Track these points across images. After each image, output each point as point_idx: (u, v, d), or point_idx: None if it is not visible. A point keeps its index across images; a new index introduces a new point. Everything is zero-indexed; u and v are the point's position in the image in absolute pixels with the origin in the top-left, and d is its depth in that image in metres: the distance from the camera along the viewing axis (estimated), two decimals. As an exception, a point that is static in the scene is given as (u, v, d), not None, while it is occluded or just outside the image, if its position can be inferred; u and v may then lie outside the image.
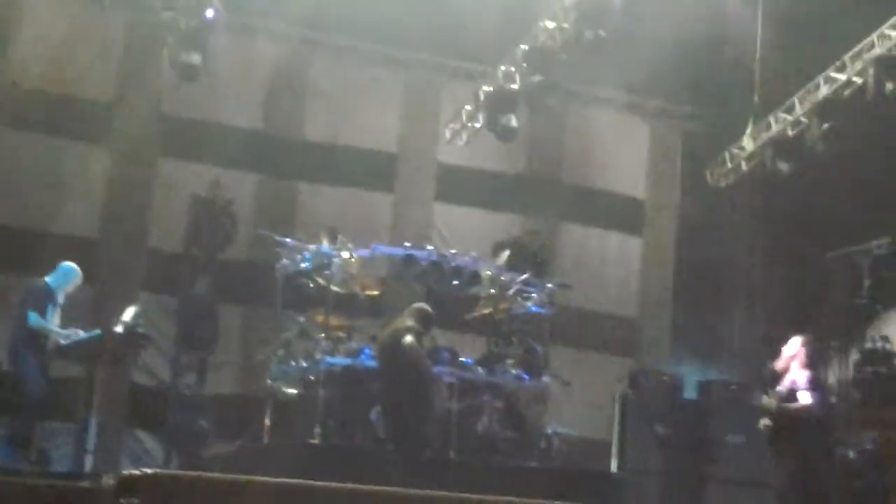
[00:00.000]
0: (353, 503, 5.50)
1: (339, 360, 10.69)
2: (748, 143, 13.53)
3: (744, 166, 13.77)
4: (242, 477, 6.26)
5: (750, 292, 13.58)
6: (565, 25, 12.41)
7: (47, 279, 10.15)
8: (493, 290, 11.67)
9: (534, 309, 11.73)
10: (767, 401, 9.67)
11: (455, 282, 11.49)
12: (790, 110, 12.99)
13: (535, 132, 13.99)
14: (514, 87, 12.92)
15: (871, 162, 12.42)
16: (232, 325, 12.47)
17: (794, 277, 13.15)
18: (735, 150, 13.83)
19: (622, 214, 14.40)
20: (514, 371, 11.23)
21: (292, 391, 10.91)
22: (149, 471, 5.51)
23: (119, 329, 9.52)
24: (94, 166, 12.56)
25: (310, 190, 13.35)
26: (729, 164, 13.94)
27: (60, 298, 10.09)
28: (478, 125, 13.54)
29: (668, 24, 12.17)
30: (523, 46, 12.82)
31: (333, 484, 5.68)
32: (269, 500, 5.38)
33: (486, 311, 11.71)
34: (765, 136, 13.31)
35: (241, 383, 12.40)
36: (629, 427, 10.58)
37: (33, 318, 9.77)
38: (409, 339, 9.46)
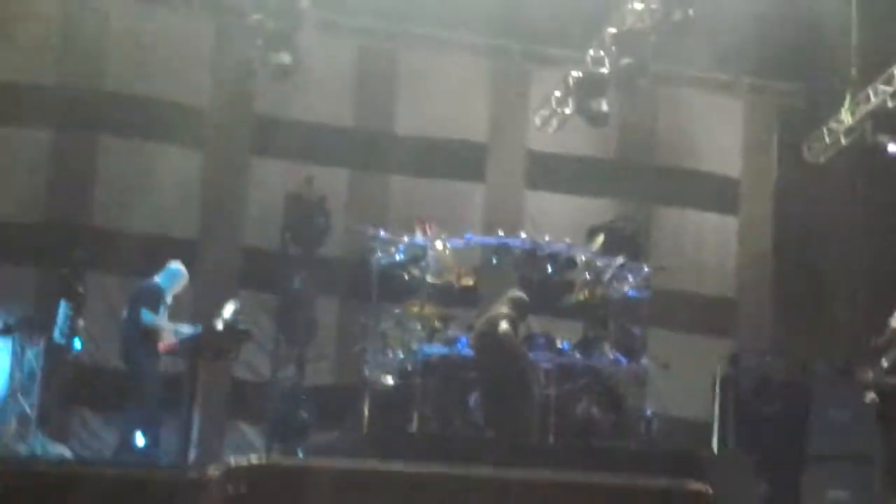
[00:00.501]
0: (457, 487, 5.54)
1: (436, 350, 10.77)
2: (846, 117, 13.21)
3: (843, 140, 13.44)
4: (347, 464, 6.37)
5: (852, 268, 13.25)
6: (654, 6, 12.30)
7: (157, 279, 10.43)
8: (588, 275, 11.62)
9: (630, 293, 11.65)
10: (873, 375, 9.49)
11: (549, 268, 11.47)
12: (889, 81, 12.65)
13: (626, 115, 13.84)
14: (604, 71, 12.81)
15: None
16: (329, 319, 12.60)
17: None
18: (833, 125, 13.51)
19: (718, 195, 14.16)
20: (611, 355, 11.17)
21: (390, 381, 11.01)
22: (255, 460, 5.64)
23: (219, 325, 9.70)
24: (189, 169, 12.82)
25: (402, 183, 13.42)
26: (827, 139, 13.63)
27: (169, 298, 10.38)
28: (568, 111, 13.46)
29: (758, -2, 11.97)
30: (611, 29, 12.72)
31: (436, 469, 5.73)
32: (374, 488, 5.45)
33: (582, 296, 11.65)
34: (864, 108, 12.99)
35: (339, 375, 12.55)
36: (729, 407, 10.44)
37: (146, 315, 10.09)
38: (504, 326, 9.47)
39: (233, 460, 5.62)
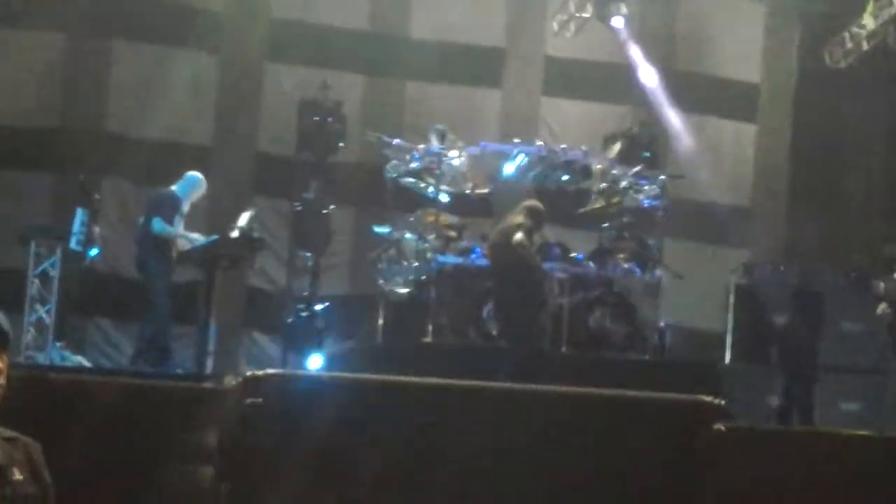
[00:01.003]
0: (472, 400, 5.58)
1: (451, 259, 10.76)
2: (869, 21, 12.95)
3: (865, 45, 13.19)
4: (360, 376, 6.42)
5: (869, 180, 13.11)
6: None
7: (174, 188, 10.27)
8: (604, 184, 11.55)
9: (646, 202, 11.58)
10: (885, 286, 9.48)
11: (565, 176, 11.40)
12: (913, -16, 12.36)
13: (645, 20, 13.60)
14: (624, -27, 12.57)
15: None
16: (344, 228, 12.59)
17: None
18: (855, 30, 13.26)
19: (737, 101, 13.95)
20: (625, 265, 11.14)
21: (404, 291, 11.03)
22: (272, 371, 5.69)
23: (234, 234, 9.69)
24: (204, 74, 12.74)
25: (417, 89, 13.30)
26: (849, 44, 13.37)
27: (186, 207, 10.18)
28: (586, 15, 13.24)
29: None
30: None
31: (452, 381, 5.78)
32: (387, 399, 5.49)
33: (598, 205, 11.60)
34: (887, 12, 12.73)
35: (354, 284, 12.59)
36: (743, 318, 10.43)
37: (158, 224, 9.87)
38: (519, 235, 9.43)
39: (250, 371, 5.67)
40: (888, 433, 7.60)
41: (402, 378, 6.10)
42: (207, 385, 7.17)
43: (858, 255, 11.82)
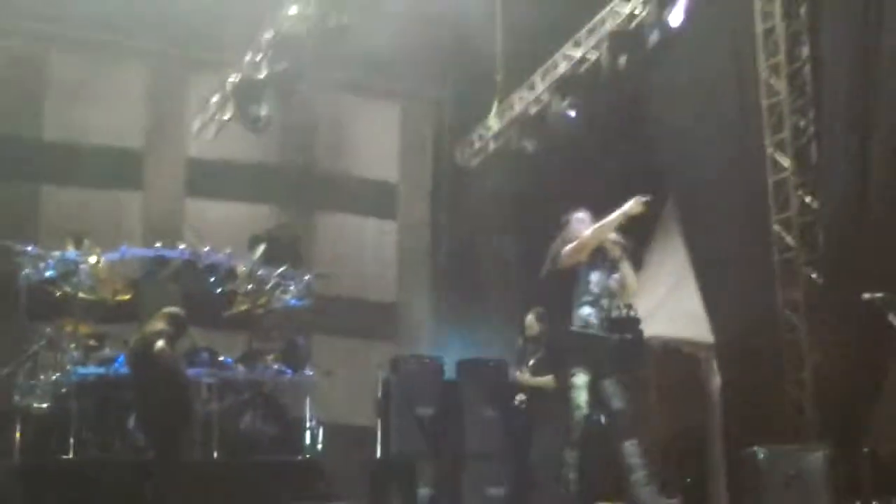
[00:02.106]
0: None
1: (92, 370, 10.40)
2: (494, 123, 13.81)
3: (491, 145, 14.03)
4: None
5: (505, 271, 13.83)
6: (309, 12, 12.32)
7: None
8: (250, 286, 11.59)
9: (293, 302, 11.70)
10: (520, 376, 10.01)
11: (211, 279, 11.34)
12: (532, 88, 13.30)
13: (286, 121, 13.79)
14: (261, 76, 12.70)
15: (612, 133, 12.82)
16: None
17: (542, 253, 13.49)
18: (482, 131, 14.09)
19: (377, 199, 14.46)
20: (276, 366, 11.18)
21: (43, 405, 10.50)
22: None
23: None
24: None
25: (52, 193, 12.81)
26: (477, 144, 14.19)
27: None
28: (227, 117, 13.27)
29: (410, 4, 12.24)
30: (268, 34, 12.63)
31: None
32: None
33: (245, 307, 11.61)
34: (510, 114, 13.61)
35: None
36: (392, 411, 10.68)
37: None
38: (160, 344, 9.21)
39: None
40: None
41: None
42: None
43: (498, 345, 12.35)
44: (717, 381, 11.83)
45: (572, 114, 12.44)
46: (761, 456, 9.19)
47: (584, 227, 8.13)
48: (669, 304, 12.17)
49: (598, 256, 8.11)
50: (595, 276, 8.10)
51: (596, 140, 12.70)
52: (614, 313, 10.76)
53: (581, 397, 7.84)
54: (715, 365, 11.88)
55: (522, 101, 13.42)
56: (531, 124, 13.17)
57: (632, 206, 7.97)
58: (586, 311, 8.04)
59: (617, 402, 7.87)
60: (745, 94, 11.60)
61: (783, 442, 9.80)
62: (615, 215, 8.00)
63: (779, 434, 10.23)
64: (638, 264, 12.52)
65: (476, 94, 14.33)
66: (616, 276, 8.09)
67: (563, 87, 12.73)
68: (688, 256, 12.08)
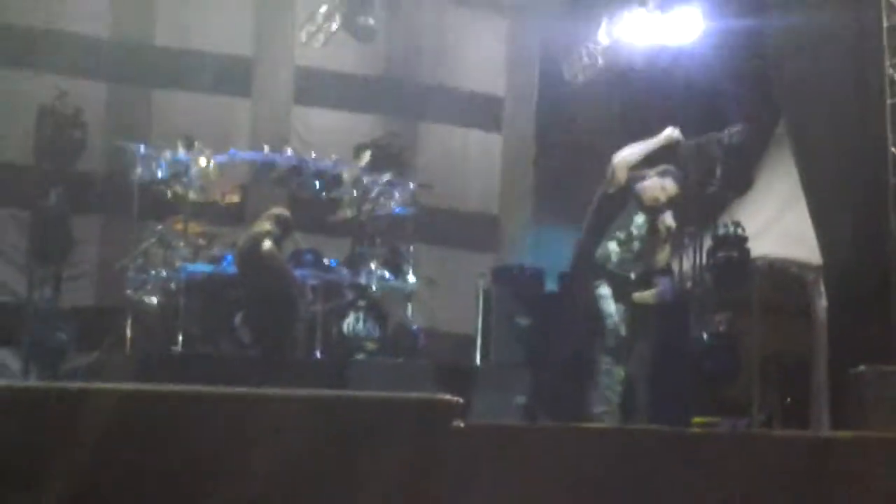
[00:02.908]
0: (221, 406, 5.48)
1: (201, 268, 10.62)
2: (603, 38, 13.60)
3: (600, 62, 13.84)
4: (93, 384, 6.19)
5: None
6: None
7: None
8: (355, 193, 11.69)
9: (397, 210, 11.79)
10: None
11: (317, 185, 11.46)
12: (643, 3, 13.02)
13: (392, 32, 13.82)
14: (370, -14, 12.70)
15: (723, 53, 12.60)
16: (88, 237, 12.15)
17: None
18: (592, 45, 13.89)
19: (482, 112, 14.39)
20: (378, 271, 11.30)
21: (153, 300, 10.80)
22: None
23: (-34, 245, 9.22)
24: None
25: (163, 97, 12.97)
26: (586, 59, 14.01)
27: None
28: (334, 27, 13.32)
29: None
30: (378, -55, 12.61)
31: (196, 388, 5.63)
32: (122, 406, 5.32)
33: (350, 213, 11.72)
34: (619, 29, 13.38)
35: (100, 295, 12.19)
36: (492, 321, 10.75)
37: None
38: (267, 244, 9.42)
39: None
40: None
41: (138, 386, 5.88)
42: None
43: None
44: (823, 302, 11.65)
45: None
46: (867, 377, 9.06)
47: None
48: (778, 224, 12.00)
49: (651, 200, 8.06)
50: (640, 219, 8.06)
51: (707, 58, 12.47)
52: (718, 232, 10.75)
53: (610, 306, 8.13)
54: (822, 286, 11.69)
55: (632, 16, 13.19)
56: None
57: (665, 136, 7.99)
58: (612, 247, 8.22)
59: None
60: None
61: (890, 363, 9.63)
62: (643, 145, 8.01)
63: (885, 356, 10.05)
64: (748, 184, 12.47)
65: (585, 9, 14.12)
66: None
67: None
68: (799, 177, 11.82)
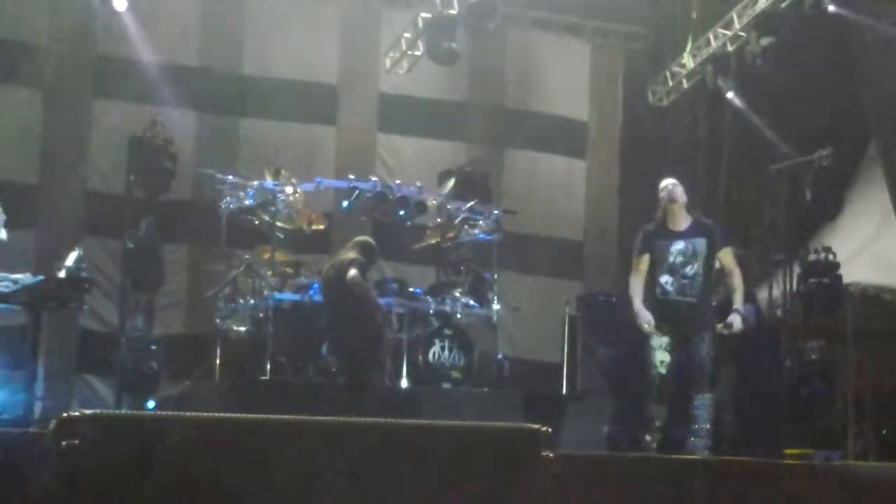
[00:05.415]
0: (307, 435, 5.50)
1: (288, 296, 10.68)
2: (688, 60, 13.55)
3: (685, 84, 13.78)
4: (188, 413, 6.26)
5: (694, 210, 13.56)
6: (500, -53, 12.29)
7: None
8: (439, 220, 11.70)
9: (481, 236, 11.77)
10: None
11: (401, 212, 11.49)
12: (728, 25, 12.98)
13: (475, 58, 13.86)
14: (453, 11, 12.77)
15: (811, 75, 12.43)
16: (178, 266, 12.39)
17: (737, 193, 13.23)
18: (675, 69, 13.83)
19: (566, 138, 14.33)
20: (463, 299, 11.28)
21: (241, 329, 10.91)
22: (88, 412, 5.46)
23: (61, 274, 9.38)
24: (27, 110, 12.33)
25: (250, 125, 13.16)
26: (670, 83, 13.95)
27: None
28: (418, 53, 13.42)
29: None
30: (456, -31, 12.66)
31: (282, 417, 5.66)
32: (215, 435, 5.37)
33: (434, 240, 11.73)
34: (704, 52, 13.32)
35: (190, 323, 12.36)
36: (577, 349, 10.67)
37: None
38: (352, 272, 9.43)
39: (65, 413, 5.44)
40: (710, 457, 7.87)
41: (232, 414, 5.94)
42: (32, 431, 6.90)
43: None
44: (919, 330, 11.37)
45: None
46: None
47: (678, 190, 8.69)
48: (870, 249, 11.75)
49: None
50: (677, 247, 8.37)
51: (795, 80, 12.31)
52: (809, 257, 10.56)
53: (657, 357, 8.28)
54: (918, 314, 11.42)
55: (718, 38, 13.11)
56: (727, 62, 12.82)
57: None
58: (665, 278, 8.34)
59: (698, 357, 8.22)
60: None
61: None
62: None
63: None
64: (839, 208, 12.25)
65: (669, 32, 14.05)
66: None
67: (762, 23, 12.36)
68: (891, 200, 11.58)
